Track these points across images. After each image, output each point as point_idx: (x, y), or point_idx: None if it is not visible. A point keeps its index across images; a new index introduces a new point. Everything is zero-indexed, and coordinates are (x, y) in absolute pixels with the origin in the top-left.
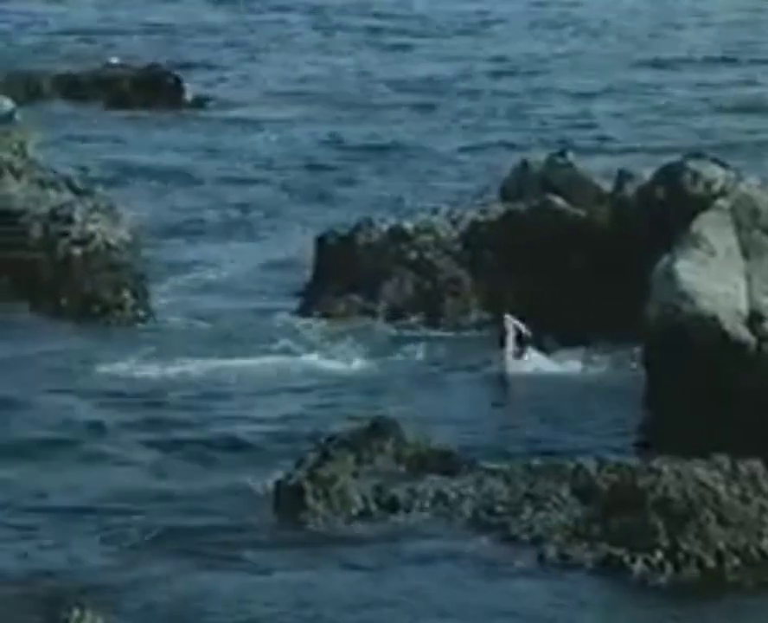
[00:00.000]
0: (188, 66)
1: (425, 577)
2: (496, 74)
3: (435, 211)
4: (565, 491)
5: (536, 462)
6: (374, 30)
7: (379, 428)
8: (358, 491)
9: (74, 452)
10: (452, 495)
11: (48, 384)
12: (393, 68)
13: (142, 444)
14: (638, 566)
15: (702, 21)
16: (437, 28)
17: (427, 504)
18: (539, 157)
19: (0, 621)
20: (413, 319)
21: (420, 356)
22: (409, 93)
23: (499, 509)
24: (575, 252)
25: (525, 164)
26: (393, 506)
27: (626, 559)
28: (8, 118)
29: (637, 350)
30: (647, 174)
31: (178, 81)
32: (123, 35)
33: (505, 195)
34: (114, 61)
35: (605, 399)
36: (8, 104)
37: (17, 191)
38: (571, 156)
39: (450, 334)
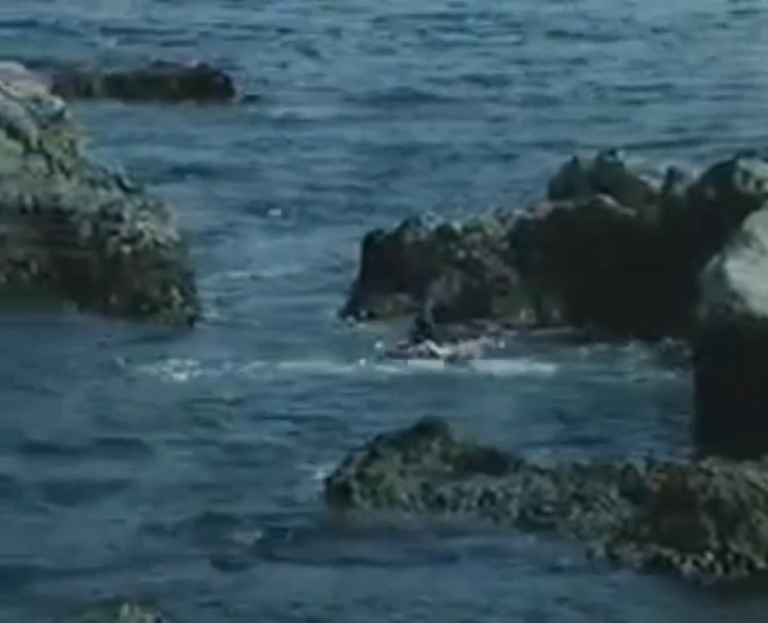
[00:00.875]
0: (237, 65)
1: (470, 574)
2: (546, 74)
3: (483, 210)
4: (614, 492)
5: (585, 462)
6: (425, 30)
7: (426, 428)
8: (405, 490)
9: (123, 448)
10: (499, 494)
11: (96, 381)
12: (442, 67)
13: (190, 441)
14: (688, 566)
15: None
16: (486, 28)
17: (474, 503)
18: (588, 155)
19: (62, 613)
20: (461, 318)
21: (469, 354)
22: (459, 92)
23: (547, 508)
24: (624, 251)
25: (574, 162)
26: (439, 505)
27: (676, 559)
28: (58, 117)
29: (687, 349)
30: (697, 173)
31: (227, 80)
32: (172, 35)
33: (554, 194)
34: (163, 60)
35: (655, 399)
36: (58, 103)
37: (68, 190)
38: (621, 155)
39: (497, 333)
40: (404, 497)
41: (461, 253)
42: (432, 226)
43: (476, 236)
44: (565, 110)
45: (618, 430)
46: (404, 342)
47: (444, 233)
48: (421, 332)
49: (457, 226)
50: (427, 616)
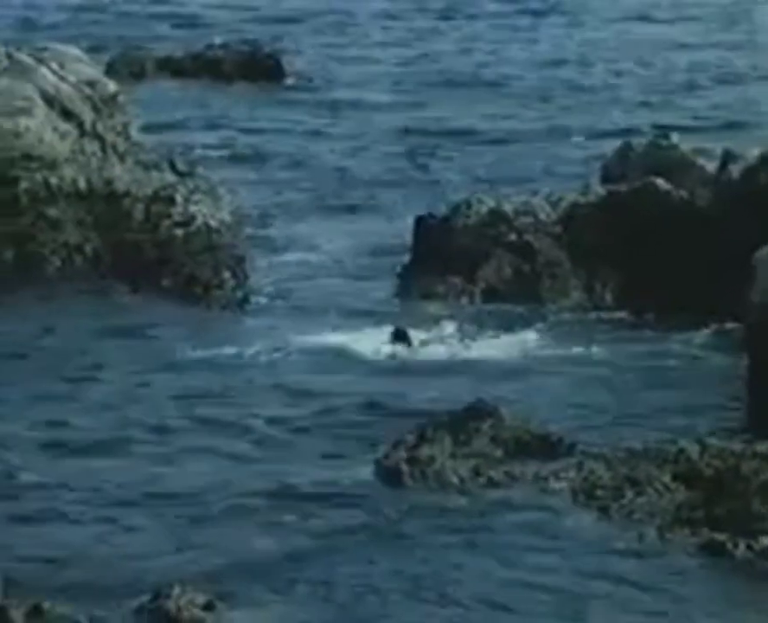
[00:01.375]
0: (289, 48)
1: (520, 556)
2: (600, 58)
3: (535, 193)
4: (666, 476)
5: (637, 446)
6: (479, 16)
7: (477, 410)
8: (455, 473)
9: (173, 430)
10: (551, 477)
11: (149, 363)
12: (494, 52)
13: (240, 422)
14: (741, 551)
15: None
16: (543, 11)
17: (525, 486)
18: (642, 138)
19: (113, 596)
20: (512, 301)
21: (520, 338)
22: (511, 77)
23: (599, 492)
24: (677, 234)
25: (628, 146)
26: (490, 487)
27: (729, 544)
28: (112, 100)
29: (740, 333)
30: (753, 155)
31: (278, 63)
32: (224, 17)
33: (606, 177)
34: (216, 42)
35: (708, 382)
36: (112, 86)
37: (121, 173)
38: (675, 137)
39: (549, 316)
40: (454, 479)
41: (512, 237)
42: (484, 209)
43: (528, 219)
44: (619, 93)
45: (671, 414)
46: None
47: (496, 216)
48: (398, 341)
49: (508, 209)
50: (477, 596)
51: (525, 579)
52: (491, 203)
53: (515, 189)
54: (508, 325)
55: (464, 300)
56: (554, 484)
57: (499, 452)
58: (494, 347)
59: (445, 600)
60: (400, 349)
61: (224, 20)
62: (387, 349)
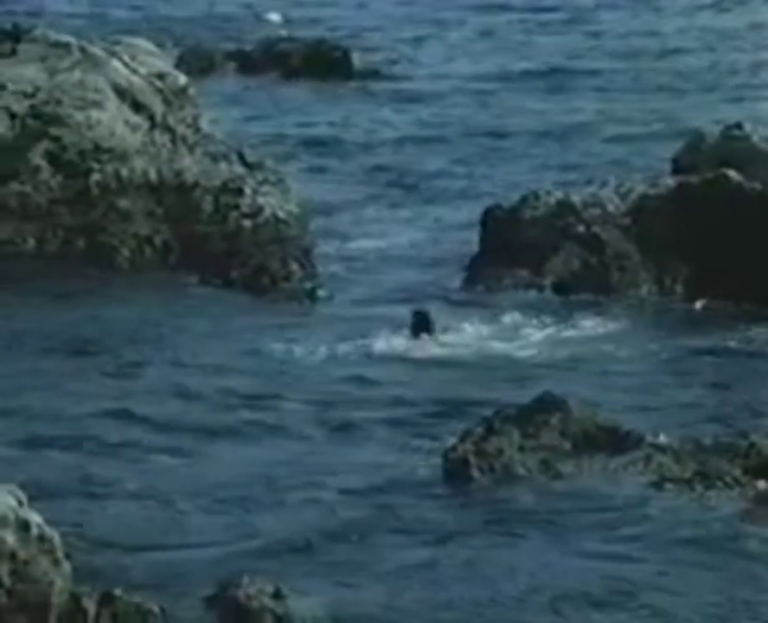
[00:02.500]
0: (356, 39)
1: (589, 549)
2: (679, 49)
3: (603, 184)
4: (737, 470)
5: (707, 439)
6: (543, 9)
7: (545, 403)
8: (523, 465)
9: (241, 423)
10: (619, 471)
11: (217, 354)
12: (563, 47)
13: (307, 415)
14: None
15: None
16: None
17: (594, 480)
18: (714, 128)
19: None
20: (580, 293)
21: (589, 330)
22: (579, 71)
23: (668, 486)
24: (749, 225)
25: (699, 136)
26: (558, 480)
27: None
28: (182, 92)
29: None
30: None
31: (346, 55)
32: (292, 8)
33: (677, 168)
34: (284, 35)
35: None
36: (182, 79)
37: (190, 165)
38: (748, 127)
39: (618, 309)
40: (522, 472)
41: (580, 228)
42: (552, 200)
43: (596, 211)
44: (693, 84)
45: (742, 408)
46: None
47: (564, 207)
48: (420, 326)
49: (576, 200)
50: (547, 589)
51: (594, 572)
52: (559, 195)
53: (583, 181)
54: (577, 318)
55: (532, 292)
56: (623, 478)
57: (567, 445)
58: (562, 339)
59: (513, 592)
60: (467, 341)
61: (292, 13)
62: (453, 340)
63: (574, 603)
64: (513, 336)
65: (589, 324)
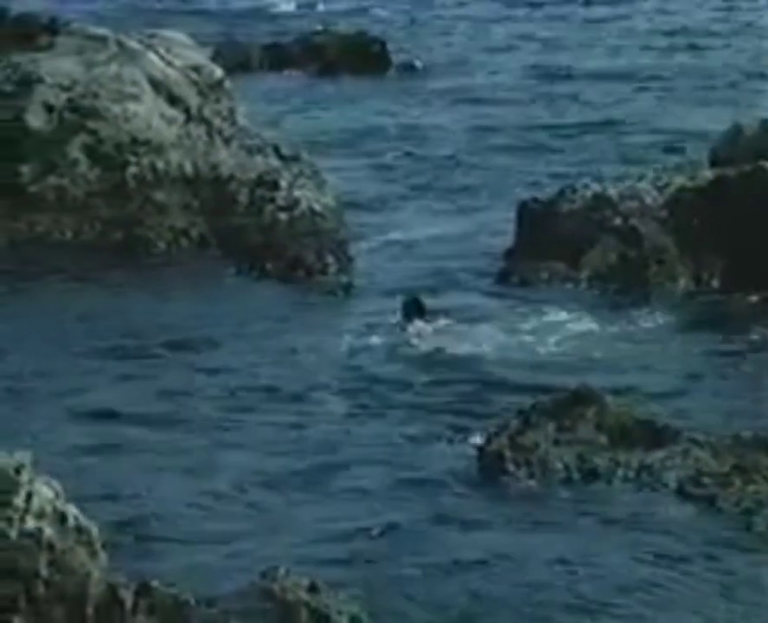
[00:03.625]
0: (394, 33)
1: (626, 544)
2: (712, 45)
3: (641, 177)
4: None
5: (746, 434)
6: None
7: (581, 397)
8: (559, 459)
9: (280, 415)
10: (657, 465)
11: (254, 347)
12: (607, 41)
13: (340, 408)
14: None
15: None
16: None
17: (630, 474)
18: (752, 121)
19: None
20: (617, 287)
21: (625, 323)
22: (622, 64)
23: (706, 480)
24: None
25: (737, 129)
26: (594, 475)
27: None
28: (218, 85)
29: None
30: None
31: (384, 48)
32: (331, 3)
33: (715, 161)
34: (321, 28)
35: None
36: (218, 72)
37: (226, 158)
38: None
39: (655, 302)
40: (558, 466)
41: (618, 221)
42: (588, 193)
43: (634, 204)
44: (729, 78)
45: None
46: None
47: (601, 200)
48: (414, 313)
49: (613, 193)
50: (582, 584)
51: (631, 568)
52: (596, 188)
53: (620, 173)
54: (613, 311)
55: (568, 285)
56: (660, 472)
57: (603, 439)
58: (598, 333)
59: (551, 586)
60: (502, 334)
61: (328, 5)
62: (488, 333)
63: (614, 596)
64: (548, 329)
65: (625, 318)
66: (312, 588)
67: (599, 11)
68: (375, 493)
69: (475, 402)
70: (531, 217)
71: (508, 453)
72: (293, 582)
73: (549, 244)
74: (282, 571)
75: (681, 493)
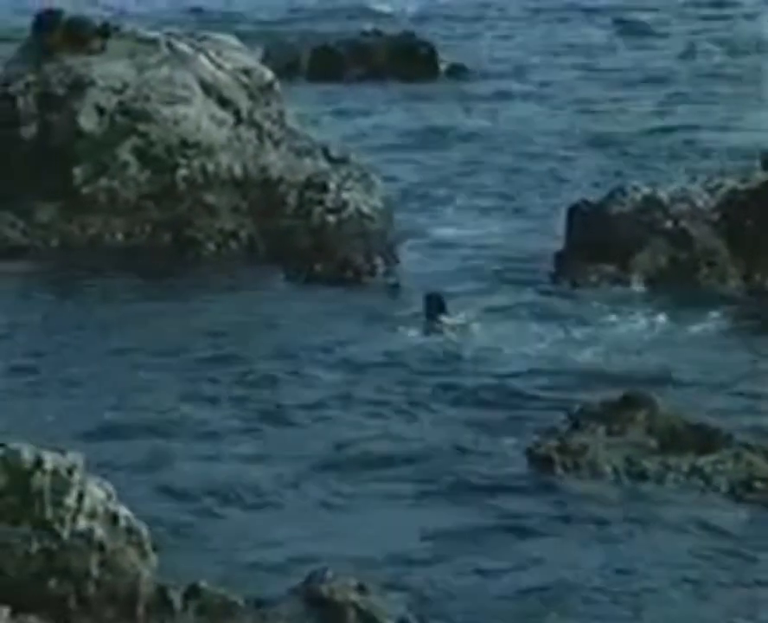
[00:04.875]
0: (443, 35)
1: (676, 549)
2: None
3: (692, 179)
4: None
5: None
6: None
7: (631, 400)
8: (609, 462)
9: (328, 416)
10: (708, 469)
11: (301, 346)
12: (657, 45)
13: (391, 410)
14: None
15: None
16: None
17: (681, 478)
18: None
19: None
20: (668, 289)
21: (675, 326)
22: (674, 67)
23: (758, 485)
24: None
25: None
26: (644, 478)
27: None
28: (268, 88)
29: None
30: None
31: (432, 51)
32: (380, 5)
33: (767, 164)
34: (370, 30)
35: None
36: (268, 74)
37: (275, 160)
38: None
39: (706, 305)
40: (607, 469)
41: (668, 224)
42: (638, 196)
43: (684, 206)
44: None
45: None
46: None
47: (651, 202)
48: (433, 309)
49: (663, 196)
50: (632, 587)
51: (681, 572)
52: (646, 190)
53: (671, 176)
54: (664, 314)
55: (618, 288)
56: (711, 476)
57: (654, 443)
58: (648, 336)
59: (602, 589)
60: (552, 336)
61: (377, 8)
62: (538, 335)
63: (664, 600)
64: (598, 331)
65: (676, 320)
66: (361, 590)
67: (647, 17)
68: (423, 495)
69: (524, 405)
70: (581, 219)
71: (556, 456)
72: (342, 584)
73: (599, 246)
74: (330, 573)
75: (733, 497)
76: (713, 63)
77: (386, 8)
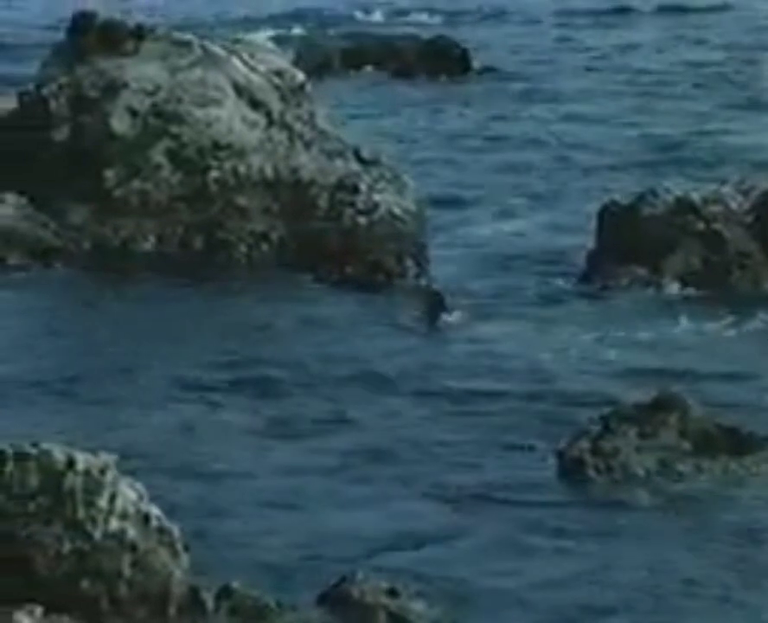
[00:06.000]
0: (475, 36)
1: (711, 552)
2: None
3: (724, 181)
4: None
5: None
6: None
7: (663, 402)
8: (641, 465)
9: (361, 426)
10: (741, 472)
11: (334, 349)
12: (694, 49)
13: (425, 412)
14: None
15: None
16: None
17: (714, 481)
18: None
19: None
20: (700, 292)
21: (707, 329)
22: (711, 76)
23: None
24: None
25: None
26: (677, 481)
27: None
28: (300, 90)
29: None
30: None
31: (464, 52)
32: (413, 7)
33: None
34: (401, 32)
35: None
36: (300, 76)
37: (307, 162)
38: None
39: (739, 308)
40: (640, 472)
41: (701, 226)
42: (670, 198)
43: (717, 208)
44: None
45: None
46: None
47: (683, 205)
48: (436, 306)
49: (696, 197)
50: (665, 591)
51: (714, 576)
52: (678, 192)
53: (703, 178)
54: (696, 316)
55: (650, 290)
56: (744, 480)
57: (686, 445)
58: (680, 337)
59: (631, 593)
60: (583, 337)
61: (409, 6)
62: (567, 337)
63: (697, 604)
64: (630, 333)
65: (708, 323)
66: (392, 593)
67: (687, 19)
68: (455, 498)
69: (555, 406)
70: (612, 221)
71: (588, 459)
72: (372, 586)
73: (630, 248)
74: (361, 575)
75: (765, 500)
76: (758, 69)
77: (420, 16)
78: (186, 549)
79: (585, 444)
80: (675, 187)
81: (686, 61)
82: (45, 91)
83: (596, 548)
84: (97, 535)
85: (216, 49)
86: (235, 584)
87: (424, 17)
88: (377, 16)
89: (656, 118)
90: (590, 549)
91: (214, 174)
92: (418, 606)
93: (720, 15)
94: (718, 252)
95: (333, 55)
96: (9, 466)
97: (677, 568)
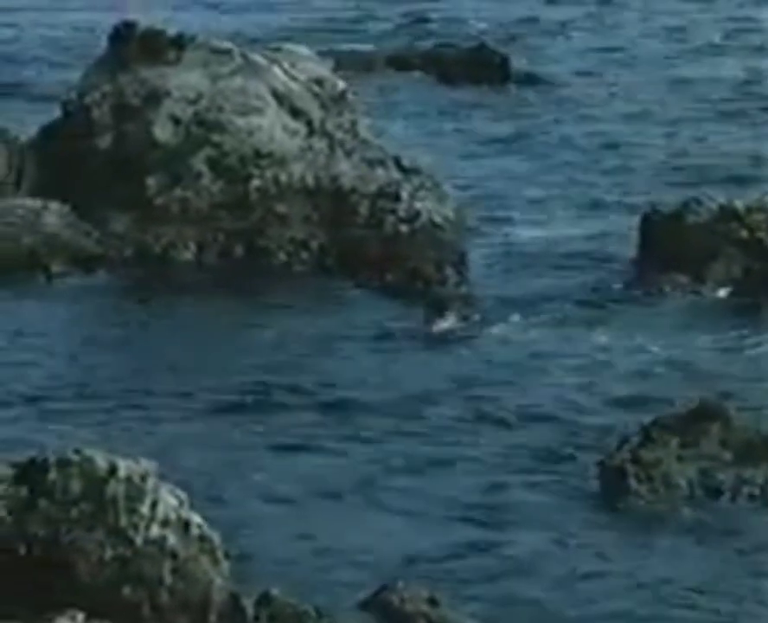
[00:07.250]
0: (516, 45)
1: (753, 563)
2: None
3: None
4: None
5: None
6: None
7: (704, 411)
8: (682, 475)
9: (391, 437)
10: None
11: (374, 356)
12: (738, 56)
13: (463, 418)
14: None
15: None
16: None
17: (756, 492)
18: None
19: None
20: (742, 300)
21: (752, 337)
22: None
23: None
24: None
25: None
26: (719, 492)
27: None
28: (340, 98)
29: None
30: None
31: (505, 60)
32: (451, 16)
33: None
34: (443, 41)
35: None
36: (340, 84)
37: (347, 170)
38: None
39: None
40: (681, 482)
41: (744, 234)
42: (713, 206)
43: (761, 216)
44: None
45: None
46: None
47: (727, 212)
48: (436, 313)
49: (739, 205)
50: (705, 603)
51: (756, 589)
52: (721, 200)
53: (747, 186)
54: (738, 325)
55: (692, 298)
56: None
57: (728, 456)
58: (722, 346)
59: (671, 606)
60: (624, 346)
61: (454, 13)
62: (609, 345)
63: (739, 617)
64: (671, 342)
65: (750, 331)
66: (432, 602)
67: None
68: (494, 508)
69: (595, 415)
70: (655, 228)
71: (629, 468)
72: (413, 594)
73: (673, 255)
74: (401, 583)
75: None
76: None
77: (459, 26)
78: (226, 556)
79: (626, 453)
80: (718, 195)
81: (740, 72)
82: (88, 99)
83: (637, 559)
84: (138, 541)
85: (256, 58)
86: (275, 591)
87: (466, 27)
88: (419, 27)
89: (700, 124)
90: (631, 561)
91: (255, 182)
92: (458, 615)
93: None
94: (761, 259)
95: (375, 63)
96: (53, 473)
97: (718, 579)
